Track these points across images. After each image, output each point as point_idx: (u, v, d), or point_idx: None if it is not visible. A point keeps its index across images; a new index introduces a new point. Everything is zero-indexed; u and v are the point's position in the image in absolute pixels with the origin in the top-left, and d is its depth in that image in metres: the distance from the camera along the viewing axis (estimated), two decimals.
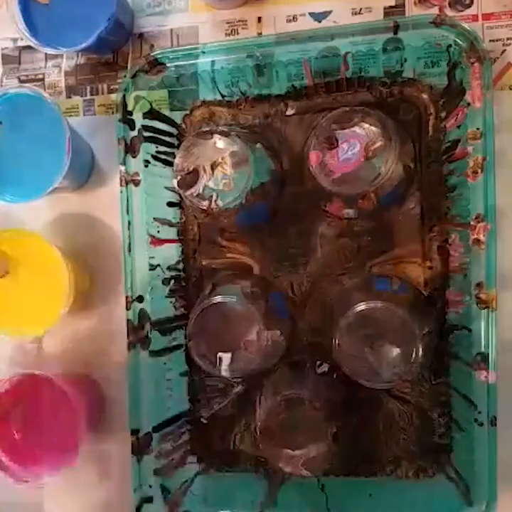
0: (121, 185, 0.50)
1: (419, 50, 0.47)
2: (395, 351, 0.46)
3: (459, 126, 0.47)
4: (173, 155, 0.52)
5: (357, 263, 0.52)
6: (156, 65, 0.50)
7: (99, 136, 0.57)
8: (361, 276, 0.52)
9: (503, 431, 0.44)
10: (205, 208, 0.48)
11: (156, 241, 0.53)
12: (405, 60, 0.49)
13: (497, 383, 0.44)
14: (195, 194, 0.48)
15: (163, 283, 0.53)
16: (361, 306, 0.46)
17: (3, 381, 0.51)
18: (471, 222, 0.45)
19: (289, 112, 0.53)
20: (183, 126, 0.55)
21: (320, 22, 0.53)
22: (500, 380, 0.44)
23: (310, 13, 0.53)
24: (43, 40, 0.52)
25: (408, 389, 0.52)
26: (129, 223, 0.50)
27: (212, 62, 0.50)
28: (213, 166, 0.48)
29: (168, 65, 0.50)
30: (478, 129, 0.44)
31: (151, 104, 0.52)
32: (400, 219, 0.51)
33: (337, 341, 0.46)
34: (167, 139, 0.54)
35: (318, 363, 0.52)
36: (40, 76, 0.58)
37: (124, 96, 0.50)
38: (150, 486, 0.50)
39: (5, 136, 0.52)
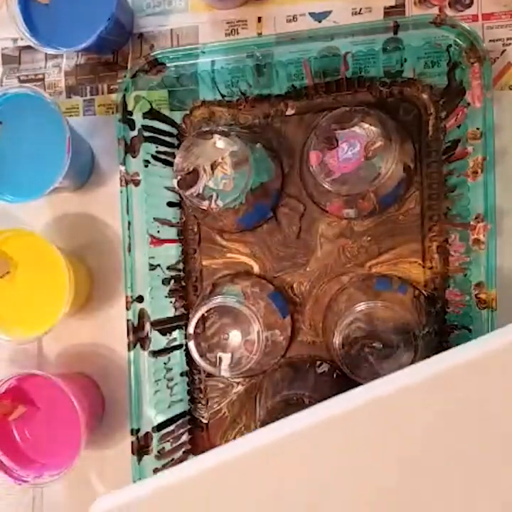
0: (121, 185, 0.50)
1: (419, 50, 0.47)
2: (395, 351, 0.46)
3: (459, 126, 0.47)
4: (173, 155, 0.52)
5: (357, 263, 0.52)
6: (156, 65, 0.50)
7: (99, 136, 0.57)
8: (361, 276, 0.52)
9: None
10: (205, 207, 0.48)
11: (156, 241, 0.53)
12: (405, 60, 0.49)
13: None
14: (195, 194, 0.48)
15: (163, 283, 0.53)
16: (361, 306, 0.46)
17: (3, 381, 0.51)
18: (471, 222, 0.45)
19: (289, 112, 0.53)
20: (183, 126, 0.55)
21: (320, 22, 0.53)
22: None
23: (310, 13, 0.53)
24: (43, 40, 0.52)
25: None
26: (129, 223, 0.50)
27: (212, 62, 0.50)
28: (213, 166, 0.48)
29: (168, 65, 0.50)
30: (478, 129, 0.44)
31: (151, 104, 0.52)
32: (399, 219, 0.51)
33: (337, 341, 0.47)
34: (167, 139, 0.54)
35: (318, 363, 0.52)
36: (40, 76, 0.58)
37: (124, 96, 0.50)
38: None
39: (5, 136, 0.52)
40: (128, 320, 0.50)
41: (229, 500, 0.33)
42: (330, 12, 0.53)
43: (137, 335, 0.50)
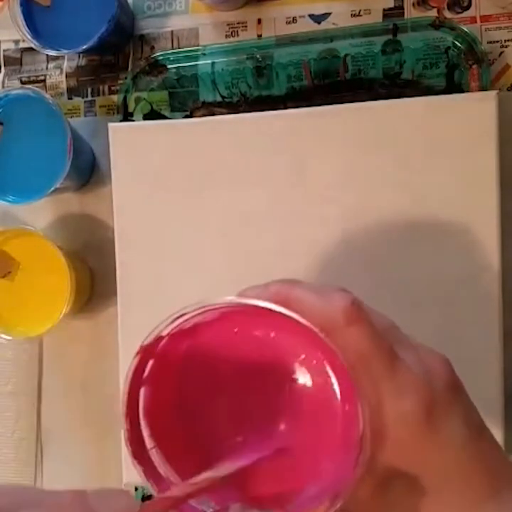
0: None
1: (418, 51, 0.48)
2: None
3: None
4: None
5: None
6: (156, 66, 0.50)
7: (100, 137, 0.57)
8: None
9: None
10: None
11: None
12: (404, 62, 0.49)
13: None
14: None
15: None
16: None
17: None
18: None
19: None
20: None
21: (319, 24, 0.53)
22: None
23: (310, 15, 0.53)
24: (45, 42, 0.52)
25: None
26: None
27: (213, 64, 0.50)
28: None
29: (168, 66, 0.50)
30: None
31: (151, 105, 0.53)
32: None
33: None
34: None
35: None
36: (42, 77, 0.58)
37: (125, 97, 0.51)
38: None
39: (6, 137, 0.52)
40: None
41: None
42: (329, 14, 0.53)
43: None
